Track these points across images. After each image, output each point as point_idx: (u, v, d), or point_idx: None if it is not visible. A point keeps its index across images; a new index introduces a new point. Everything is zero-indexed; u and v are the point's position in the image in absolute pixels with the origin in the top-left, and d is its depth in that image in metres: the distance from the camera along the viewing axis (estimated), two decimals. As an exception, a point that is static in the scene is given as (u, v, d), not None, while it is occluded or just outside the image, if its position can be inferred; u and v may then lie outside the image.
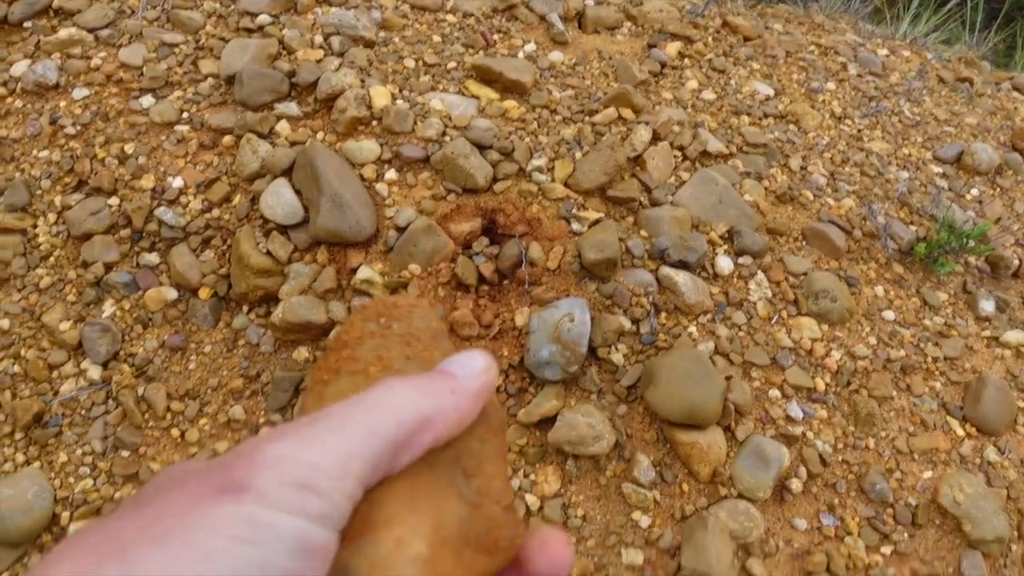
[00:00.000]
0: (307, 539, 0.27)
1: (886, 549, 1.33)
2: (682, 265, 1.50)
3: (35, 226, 1.58)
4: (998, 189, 2.00)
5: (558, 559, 0.35)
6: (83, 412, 1.42)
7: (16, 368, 1.46)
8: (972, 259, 1.75)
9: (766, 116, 1.95)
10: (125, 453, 1.39)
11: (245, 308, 1.50)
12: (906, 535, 1.35)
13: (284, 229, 1.50)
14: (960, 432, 1.46)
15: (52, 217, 1.58)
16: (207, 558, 0.25)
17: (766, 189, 1.72)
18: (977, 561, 1.33)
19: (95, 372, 1.45)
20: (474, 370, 0.35)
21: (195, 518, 0.26)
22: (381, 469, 0.31)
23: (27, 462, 1.39)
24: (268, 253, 1.48)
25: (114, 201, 1.57)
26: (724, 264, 1.53)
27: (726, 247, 1.57)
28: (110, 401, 1.44)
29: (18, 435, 1.40)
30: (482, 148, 1.58)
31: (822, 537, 1.33)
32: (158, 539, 0.25)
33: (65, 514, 1.33)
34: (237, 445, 0.29)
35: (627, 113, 1.75)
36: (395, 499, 0.31)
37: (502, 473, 0.37)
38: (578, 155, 1.62)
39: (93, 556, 0.26)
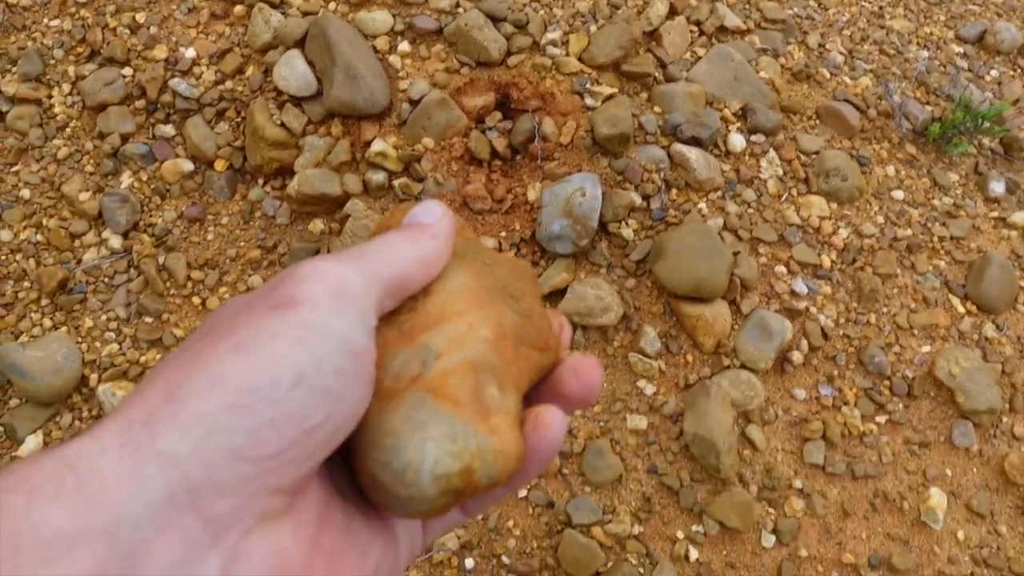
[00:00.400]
0: (351, 341, 0.32)
1: (881, 418, 1.38)
2: (695, 142, 1.49)
3: (50, 96, 1.58)
4: (1019, 70, 1.97)
5: (589, 381, 0.40)
6: (106, 280, 1.46)
7: (39, 237, 1.49)
8: (986, 141, 1.73)
9: (785, -9, 1.90)
10: (148, 319, 1.43)
11: (260, 180, 1.52)
12: (901, 406, 1.39)
13: (298, 101, 1.50)
14: (960, 309, 1.48)
15: (67, 87, 1.57)
16: (275, 360, 0.29)
17: (782, 66, 1.70)
18: (968, 430, 1.38)
19: (116, 241, 1.48)
20: (438, 216, 0.40)
21: (259, 329, 0.30)
22: (389, 301, 0.35)
23: (54, 327, 1.43)
24: (283, 125, 1.48)
25: (127, 71, 1.56)
26: (736, 141, 1.53)
27: (739, 124, 1.56)
28: (132, 270, 1.47)
29: (44, 301, 1.45)
30: (496, 20, 1.56)
31: (820, 407, 1.38)
32: (232, 349, 0.30)
33: (93, 376, 1.39)
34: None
35: (643, -14, 1.70)
36: (463, 301, 0.37)
37: (541, 306, 0.41)
38: (593, 28, 1.60)
39: (182, 369, 0.30)
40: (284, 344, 0.30)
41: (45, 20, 1.61)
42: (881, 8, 1.96)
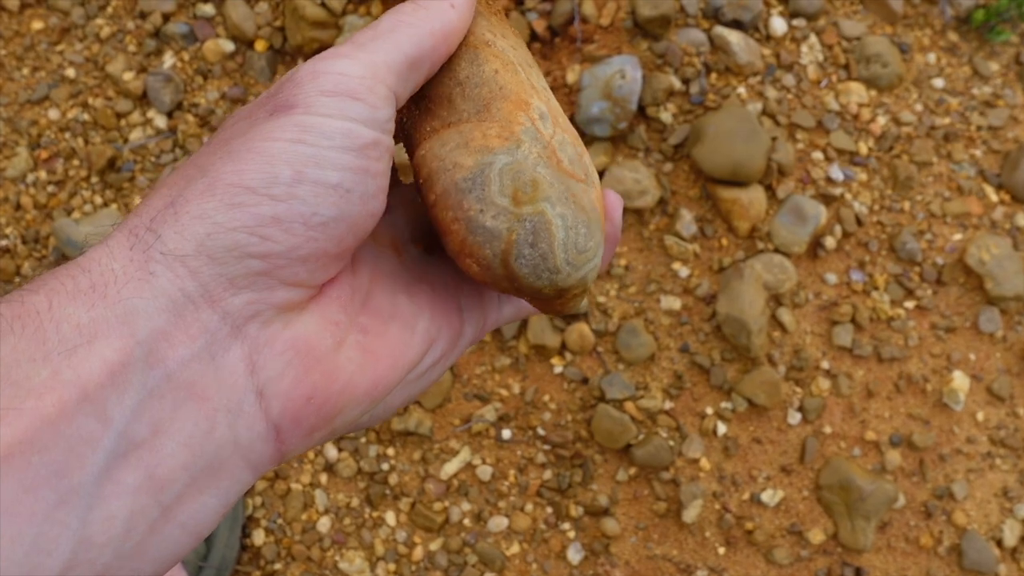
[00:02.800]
0: (355, 136, 0.30)
1: (909, 304, 1.37)
2: (736, 24, 1.44)
3: (90, -26, 1.53)
4: (1066, -43, 1.86)
5: (611, 204, 0.39)
6: (153, 159, 1.45)
7: (86, 116, 1.48)
8: (1030, 29, 1.66)
9: None
10: (195, 198, 1.43)
11: (300, 60, 1.48)
12: (930, 292, 1.38)
13: (337, -20, 1.45)
14: (994, 198, 1.45)
15: (106, -35, 1.53)
16: (270, 159, 0.28)
17: (826, -51, 1.62)
18: (994, 316, 1.37)
19: (161, 121, 1.46)
20: None
21: (255, 133, 0.29)
22: (411, 80, 0.33)
23: (105, 204, 1.43)
24: (323, 4, 1.44)
25: (166, -51, 1.51)
26: (778, 25, 1.47)
27: (781, 8, 1.50)
28: (177, 149, 1.46)
29: (94, 179, 1.44)
30: (536, -103, 1.49)
31: (850, 291, 1.37)
32: (226, 155, 0.29)
33: (145, 251, 1.39)
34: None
35: None
36: (517, 84, 0.35)
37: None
38: (635, -93, 1.52)
39: (182, 180, 0.29)
40: (280, 143, 0.29)
41: None
42: None
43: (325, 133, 0.29)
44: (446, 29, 0.33)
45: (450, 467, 1.29)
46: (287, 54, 1.49)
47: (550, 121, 0.34)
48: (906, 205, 1.41)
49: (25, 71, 1.50)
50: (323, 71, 0.30)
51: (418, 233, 0.39)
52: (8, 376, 0.23)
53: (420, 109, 0.34)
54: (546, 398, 1.31)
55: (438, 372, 0.37)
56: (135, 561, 0.25)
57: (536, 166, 0.31)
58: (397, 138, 0.36)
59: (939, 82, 1.52)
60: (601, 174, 1.36)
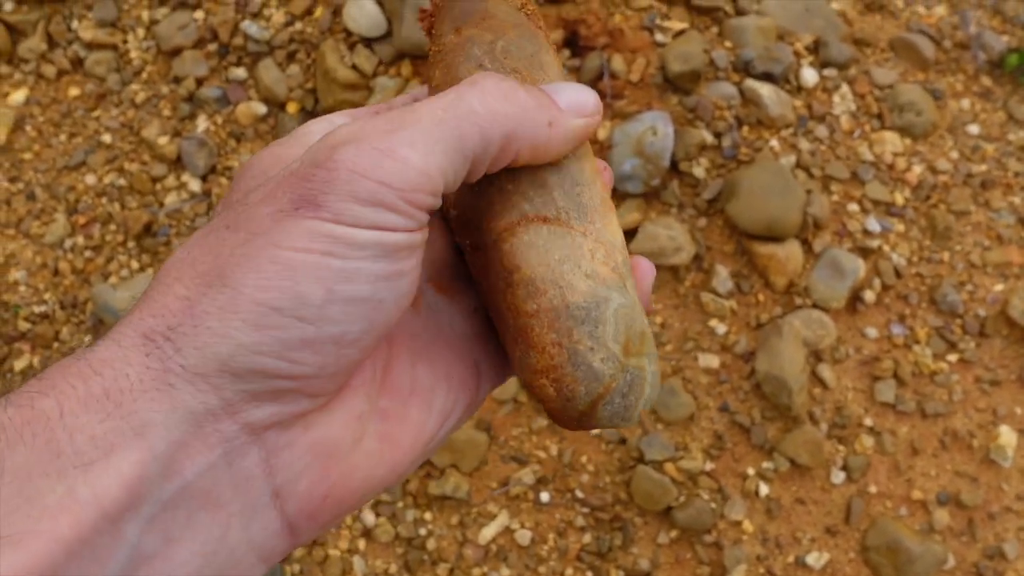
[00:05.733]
0: (388, 244, 0.26)
1: (952, 357, 1.33)
2: (767, 77, 1.41)
3: (125, 41, 1.53)
4: (1096, -6, 1.82)
5: (643, 272, 0.34)
6: (188, 223, 1.44)
7: (122, 181, 1.47)
8: (1063, 70, 1.62)
9: (856, -84, 1.76)
10: (230, 260, 1.41)
11: (333, 122, 1.47)
12: (973, 344, 1.33)
13: (368, 42, 1.44)
14: (1035, 246, 1.40)
15: (141, 32, 1.53)
16: (295, 275, 0.25)
17: (854, -3, 1.59)
18: (1041, 369, 1.32)
19: (195, 185, 1.45)
20: (582, 107, 0.31)
21: (279, 237, 0.26)
22: (459, 180, 0.29)
23: (141, 268, 1.42)
24: (354, 67, 1.42)
25: (199, 15, 1.51)
26: (808, 76, 1.44)
27: (811, 58, 1.47)
28: (211, 212, 1.45)
29: (131, 244, 1.43)
30: (563, -45, 1.47)
31: (891, 345, 1.32)
32: (248, 258, 0.26)
33: (181, 315, 1.38)
34: (315, 144, 0.28)
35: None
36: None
37: None
38: (662, -38, 1.50)
39: (197, 277, 0.26)
40: (307, 255, 0.25)
41: (116, -36, 1.56)
42: (955, -68, 1.82)
43: (356, 243, 0.26)
44: (532, 144, 0.29)
45: (488, 531, 1.25)
46: (319, 115, 1.47)
47: (625, 246, 0.32)
48: (945, 256, 1.37)
49: (63, 137, 1.50)
50: (362, 172, 0.26)
51: (434, 272, 0.35)
52: (22, 492, 0.22)
53: (509, 177, 0.31)
54: (584, 459, 1.28)
55: (450, 433, 0.35)
56: None
57: (642, 316, 0.30)
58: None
59: (974, 128, 1.48)
60: (634, 231, 1.33)
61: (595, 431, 1.28)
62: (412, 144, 0.26)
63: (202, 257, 0.27)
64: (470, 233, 0.32)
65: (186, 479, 0.25)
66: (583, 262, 0.29)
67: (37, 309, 1.40)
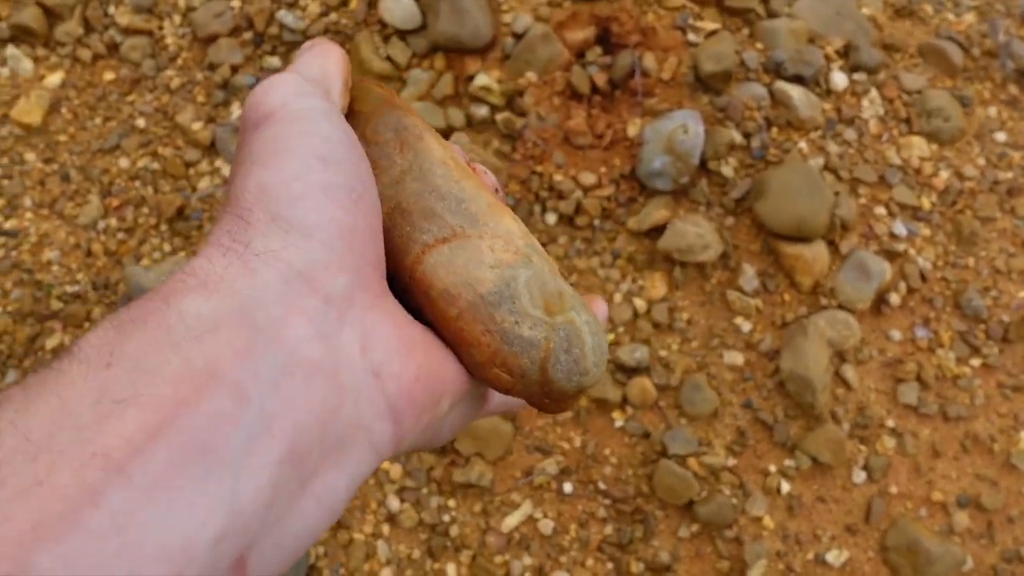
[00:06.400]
0: (332, 116, 0.33)
1: (975, 362, 1.33)
2: (797, 80, 1.42)
3: (161, 28, 1.55)
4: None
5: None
6: (220, 207, 1.45)
7: (155, 165, 1.48)
8: (1090, 81, 1.62)
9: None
10: (260, 246, 1.43)
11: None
12: (996, 349, 1.34)
13: (403, 34, 1.45)
14: (1060, 254, 1.41)
15: (177, 19, 1.54)
16: (295, 157, 0.30)
17: (885, 2, 1.59)
18: (1064, 376, 1.33)
19: (228, 170, 1.47)
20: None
21: (266, 139, 0.31)
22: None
23: (173, 251, 1.43)
24: (388, 59, 1.44)
25: (236, 3, 1.52)
26: (838, 80, 1.45)
27: (841, 62, 1.47)
28: (244, 198, 1.46)
29: (163, 227, 1.45)
30: (598, -47, 1.48)
31: (915, 348, 1.33)
32: (257, 163, 0.31)
33: (212, 299, 1.39)
34: None
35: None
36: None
37: None
38: (695, -38, 1.51)
39: (237, 194, 0.30)
40: (296, 142, 0.30)
41: (155, -49, 1.58)
42: (984, -59, 1.82)
43: (315, 120, 0.31)
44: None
45: (511, 520, 1.26)
46: (351, 105, 1.49)
47: (528, 232, 0.35)
48: (970, 261, 1.37)
49: (97, 120, 1.52)
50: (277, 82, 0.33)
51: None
52: (139, 367, 0.23)
53: (404, 223, 0.34)
54: (607, 452, 1.29)
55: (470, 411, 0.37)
56: (278, 532, 0.25)
57: (554, 278, 0.33)
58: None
59: (1001, 135, 1.49)
60: (662, 228, 1.34)
61: (618, 422, 1.29)
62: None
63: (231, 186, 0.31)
64: (392, 280, 0.35)
65: (291, 348, 0.26)
66: (485, 257, 0.32)
67: (70, 289, 1.41)
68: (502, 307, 0.31)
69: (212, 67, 1.51)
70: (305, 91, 0.32)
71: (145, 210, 1.46)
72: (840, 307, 1.31)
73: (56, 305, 1.40)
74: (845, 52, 1.48)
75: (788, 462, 1.27)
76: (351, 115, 0.36)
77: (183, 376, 0.23)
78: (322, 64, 0.35)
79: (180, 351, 0.24)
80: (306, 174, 0.29)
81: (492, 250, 0.32)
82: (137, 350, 0.24)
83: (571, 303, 0.32)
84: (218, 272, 0.26)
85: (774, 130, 1.39)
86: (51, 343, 1.39)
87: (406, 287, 0.33)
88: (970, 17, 1.61)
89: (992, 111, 1.51)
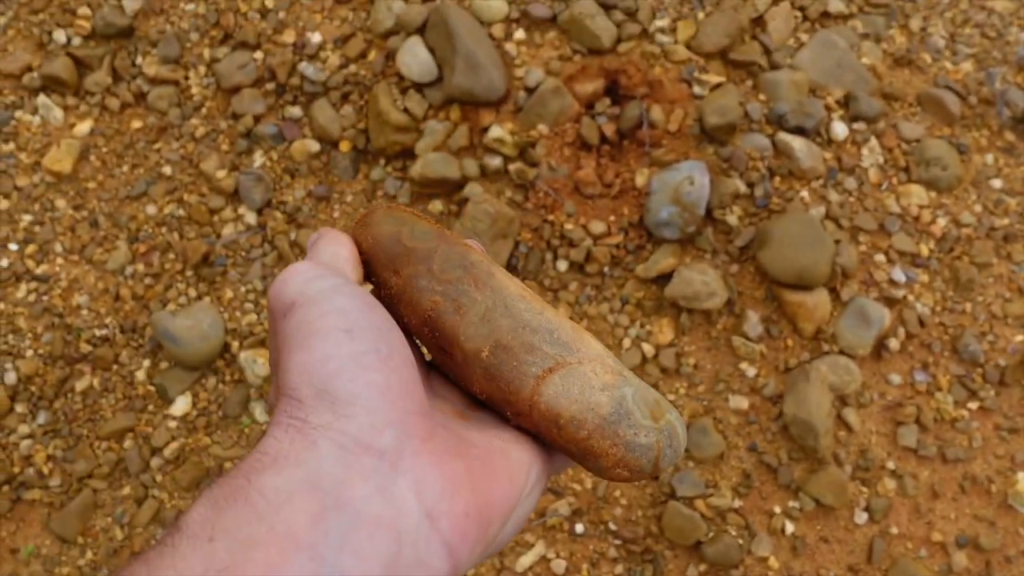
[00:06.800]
0: (355, 290, 0.37)
1: (973, 405, 1.38)
2: (799, 131, 1.47)
3: (187, 78, 1.61)
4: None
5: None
6: (243, 254, 1.51)
7: (181, 212, 1.54)
8: (1084, 126, 1.67)
9: (886, -29, 1.82)
10: (282, 291, 1.48)
11: (382, 161, 1.54)
12: (993, 393, 1.38)
13: (419, 87, 1.51)
14: (1055, 299, 1.45)
15: (202, 69, 1.60)
16: (323, 341, 0.35)
17: (884, 52, 1.65)
18: (1059, 419, 1.37)
19: (251, 217, 1.52)
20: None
21: (291, 331, 0.36)
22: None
23: (199, 297, 1.49)
24: (405, 110, 1.49)
25: (259, 55, 1.58)
26: (839, 129, 1.50)
27: (841, 112, 1.53)
28: (266, 244, 1.51)
29: (189, 273, 1.50)
30: (607, 8, 1.54)
31: (914, 392, 1.37)
32: (295, 349, 0.35)
33: (235, 343, 1.45)
34: None
35: (748, -30, 1.66)
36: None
37: None
38: (701, 16, 1.56)
39: (284, 372, 0.35)
40: (320, 323, 0.35)
41: (181, 4, 1.64)
42: (981, -13, 1.87)
43: (331, 299, 0.36)
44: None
45: (525, 560, 1.31)
46: (369, 154, 1.55)
47: (605, 347, 0.42)
48: (968, 307, 1.42)
49: (125, 168, 1.58)
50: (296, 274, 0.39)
51: (453, 411, 0.44)
52: (236, 537, 0.29)
53: (509, 358, 0.40)
54: (617, 493, 1.33)
55: (535, 499, 0.41)
56: None
57: (649, 388, 0.40)
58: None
59: (997, 183, 1.54)
60: (669, 275, 1.39)
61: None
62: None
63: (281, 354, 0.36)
64: (502, 406, 0.41)
65: (356, 507, 0.31)
66: (593, 382, 0.38)
67: (98, 332, 1.47)
68: (622, 423, 0.38)
69: (236, 116, 1.57)
70: (317, 274, 0.37)
71: (171, 256, 1.51)
72: (841, 352, 1.36)
73: (85, 348, 1.46)
74: (845, 102, 1.53)
75: (792, 503, 1.32)
76: (404, 252, 0.42)
77: (270, 542, 0.29)
78: (331, 249, 0.41)
79: (265, 521, 0.29)
80: (336, 350, 0.34)
81: (595, 374, 0.39)
82: (232, 524, 0.29)
83: (665, 407, 0.39)
84: (285, 448, 0.32)
85: (777, 180, 1.44)
86: (80, 385, 1.44)
87: (523, 412, 0.39)
88: (967, 65, 1.66)
89: (989, 158, 1.56)
